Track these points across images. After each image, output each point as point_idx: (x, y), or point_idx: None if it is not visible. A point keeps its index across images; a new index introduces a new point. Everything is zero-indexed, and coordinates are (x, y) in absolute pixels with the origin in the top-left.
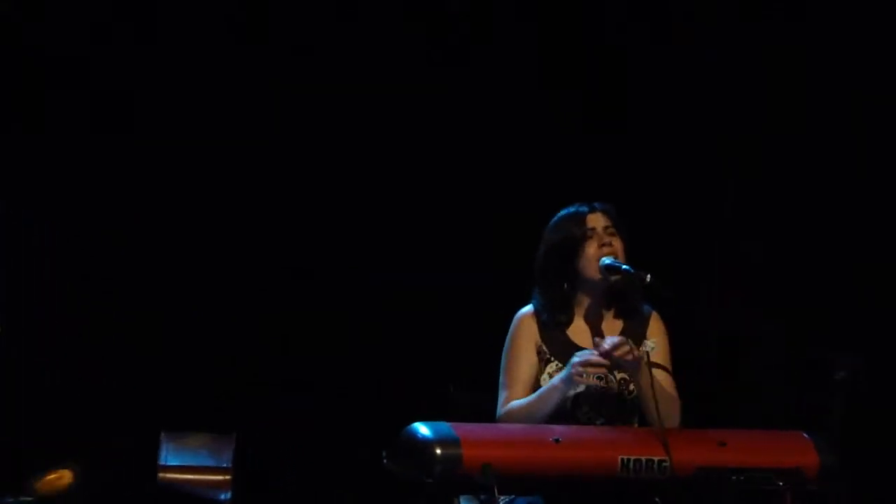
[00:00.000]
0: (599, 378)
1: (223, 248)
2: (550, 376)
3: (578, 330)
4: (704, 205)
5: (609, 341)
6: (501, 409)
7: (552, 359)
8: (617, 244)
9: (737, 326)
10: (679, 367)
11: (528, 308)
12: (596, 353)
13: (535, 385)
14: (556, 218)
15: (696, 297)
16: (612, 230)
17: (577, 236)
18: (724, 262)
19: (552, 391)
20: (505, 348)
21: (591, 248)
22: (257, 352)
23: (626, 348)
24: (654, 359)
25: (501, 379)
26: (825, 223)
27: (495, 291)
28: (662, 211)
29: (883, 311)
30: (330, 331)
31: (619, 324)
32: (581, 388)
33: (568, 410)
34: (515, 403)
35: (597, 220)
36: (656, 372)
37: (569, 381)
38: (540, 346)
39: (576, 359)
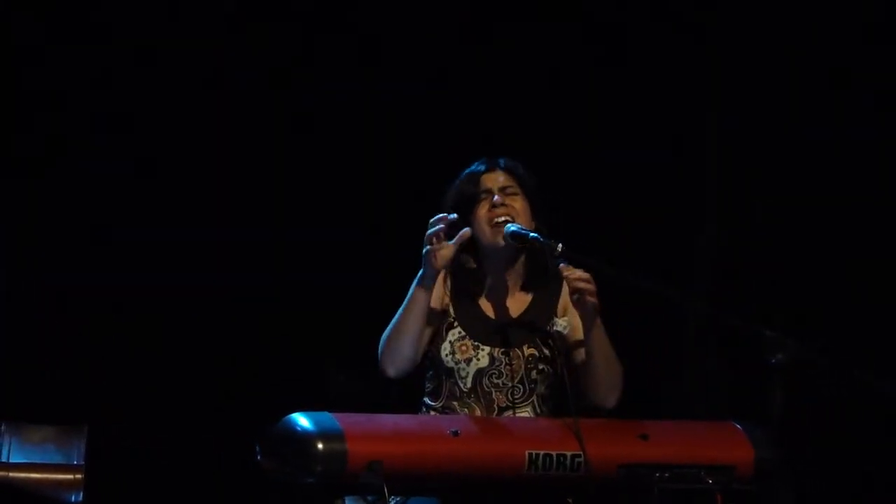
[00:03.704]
0: (504, 352)
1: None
2: (451, 345)
3: (485, 302)
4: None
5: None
6: None
7: (455, 324)
8: (517, 205)
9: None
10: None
11: None
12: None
13: (425, 339)
14: (456, 179)
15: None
16: (512, 189)
17: (468, 197)
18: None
19: (416, 288)
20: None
21: (482, 210)
22: (112, 331)
23: (590, 286)
24: (575, 338)
25: None
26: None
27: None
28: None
29: (838, 303)
30: (194, 309)
31: (527, 297)
32: (483, 362)
33: (464, 391)
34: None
35: (494, 180)
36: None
37: (425, 260)
38: (446, 306)
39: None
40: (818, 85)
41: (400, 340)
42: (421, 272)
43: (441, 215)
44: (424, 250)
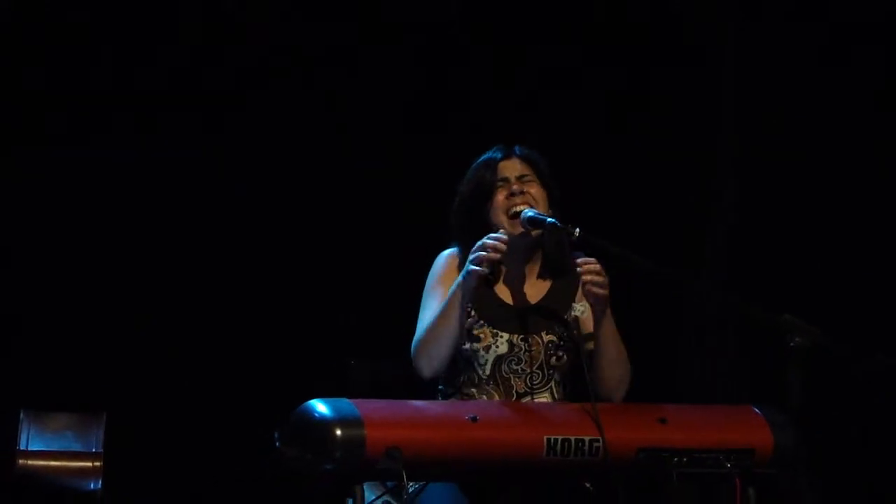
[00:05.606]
0: (523, 338)
1: (81, 213)
2: (469, 333)
3: (502, 289)
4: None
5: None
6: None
7: (473, 311)
8: (535, 193)
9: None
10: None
11: (454, 250)
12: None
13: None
14: (472, 166)
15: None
16: (528, 178)
17: (486, 185)
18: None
19: (455, 293)
20: (425, 287)
21: (499, 197)
22: (130, 318)
23: (599, 278)
24: (589, 325)
25: (419, 318)
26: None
27: (397, 251)
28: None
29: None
30: (211, 297)
31: (545, 284)
32: (502, 349)
33: (483, 378)
34: (423, 325)
35: (511, 168)
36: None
37: (468, 274)
38: None
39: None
40: (834, 73)
41: (438, 344)
42: (462, 277)
43: (498, 240)
44: (476, 260)
